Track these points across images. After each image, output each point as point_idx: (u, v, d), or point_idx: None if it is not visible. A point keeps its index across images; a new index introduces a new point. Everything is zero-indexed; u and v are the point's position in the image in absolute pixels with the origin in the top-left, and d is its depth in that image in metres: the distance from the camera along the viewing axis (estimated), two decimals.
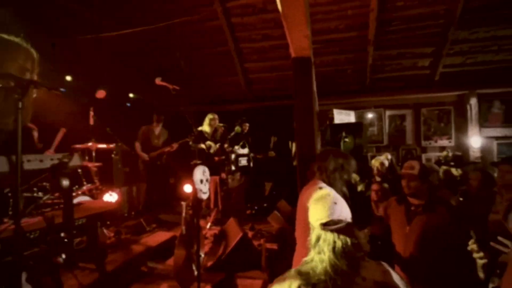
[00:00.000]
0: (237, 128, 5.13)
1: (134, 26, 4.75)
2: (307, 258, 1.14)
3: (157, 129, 4.58)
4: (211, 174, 3.76)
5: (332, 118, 5.79)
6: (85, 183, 3.30)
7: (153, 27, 5.02)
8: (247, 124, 5.08)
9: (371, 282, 1.01)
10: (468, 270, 1.97)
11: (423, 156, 5.93)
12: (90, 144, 3.38)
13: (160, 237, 3.37)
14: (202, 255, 2.15)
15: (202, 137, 4.07)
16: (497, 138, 5.58)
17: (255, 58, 5.63)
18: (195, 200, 1.95)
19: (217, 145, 3.92)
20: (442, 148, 5.92)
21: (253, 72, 5.97)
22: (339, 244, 1.06)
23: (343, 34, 5.11)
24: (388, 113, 6.19)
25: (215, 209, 3.81)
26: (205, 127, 4.15)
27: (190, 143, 3.42)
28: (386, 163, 4.37)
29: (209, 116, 4.19)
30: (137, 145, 4.43)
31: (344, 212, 1.15)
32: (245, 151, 4.28)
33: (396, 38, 5.06)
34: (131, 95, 5.25)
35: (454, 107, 5.80)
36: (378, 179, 4.16)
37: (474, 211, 2.65)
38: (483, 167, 4.02)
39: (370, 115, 6.32)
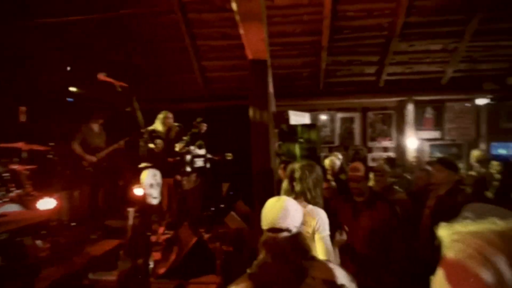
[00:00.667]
0: (194, 129, 5.00)
1: (81, 13, 4.32)
2: (256, 262, 1.17)
3: (97, 128, 4.19)
4: (165, 175, 3.59)
5: (288, 119, 5.96)
6: (13, 189, 2.87)
7: (102, 16, 4.62)
8: (205, 124, 4.96)
9: (320, 281, 1.07)
10: (408, 259, 2.23)
11: (369, 156, 6.44)
12: (19, 144, 2.95)
13: (105, 245, 3.10)
14: (151, 264, 2.03)
15: (153, 136, 3.85)
16: (429, 140, 6.32)
17: (214, 56, 5.52)
18: (144, 205, 1.83)
19: (171, 145, 3.75)
20: (385, 149, 6.50)
21: (212, 70, 5.85)
22: (278, 251, 1.11)
23: (299, 38, 5.28)
24: (339, 115, 6.58)
25: (169, 213, 3.64)
26: (158, 126, 3.94)
27: (141, 142, 3.21)
28: (338, 163, 4.64)
29: (162, 114, 3.99)
30: (76, 146, 3.98)
31: (293, 219, 1.18)
32: (202, 152, 4.17)
33: (347, 45, 5.39)
34: (73, 89, 4.74)
35: (395, 112, 6.41)
36: (330, 178, 4.40)
37: (414, 206, 2.99)
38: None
39: (323, 117, 6.65)
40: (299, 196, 1.83)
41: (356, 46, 5.40)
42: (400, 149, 6.33)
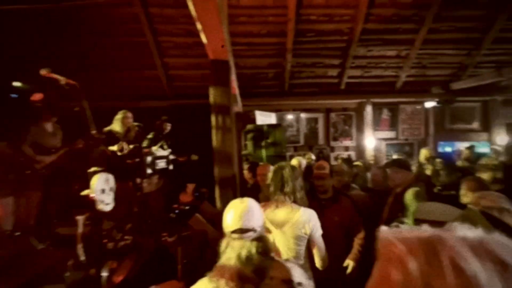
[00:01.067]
0: (157, 129, 4.79)
1: (29, 1, 3.91)
2: (217, 265, 1.18)
3: (50, 127, 3.82)
4: (123, 179, 3.39)
5: (255, 119, 6.00)
6: None
7: (55, 5, 4.22)
8: (168, 124, 4.79)
9: (279, 281, 1.10)
10: (370, 253, 2.40)
11: (331, 155, 6.73)
12: None
13: (54, 256, 2.85)
14: (105, 274, 1.91)
15: (112, 137, 3.63)
16: (385, 139, 6.77)
17: (177, 53, 5.35)
18: (96, 212, 1.71)
19: (130, 147, 3.55)
20: (347, 148, 6.84)
21: (175, 68, 5.66)
22: (243, 252, 1.12)
23: (265, 39, 5.33)
24: (304, 116, 6.77)
25: (128, 218, 3.45)
26: (116, 126, 3.71)
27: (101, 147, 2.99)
28: (304, 162, 4.75)
29: (121, 114, 3.76)
30: (26, 149, 3.60)
31: (257, 219, 1.21)
32: (165, 152, 4.01)
33: (310, 48, 5.56)
34: (17, 84, 4.28)
35: (356, 113, 6.76)
36: None
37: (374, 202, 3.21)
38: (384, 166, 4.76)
39: (289, 117, 6.79)
40: (288, 196, 1.81)
41: (319, 49, 5.60)
42: (359, 148, 6.70)
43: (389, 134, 6.76)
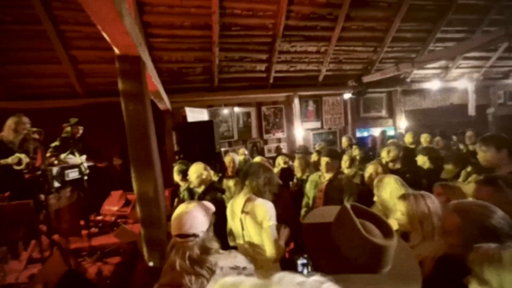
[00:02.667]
0: (67, 130, 4.14)
1: None
2: (165, 266, 1.32)
3: None
4: (22, 197, 2.83)
5: (186, 116, 5.72)
6: None
7: None
8: (80, 127, 4.18)
9: (228, 269, 1.25)
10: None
11: (265, 147, 6.93)
12: None
13: None
14: None
15: (3, 148, 2.97)
16: (312, 130, 7.29)
17: (86, 45, 4.66)
18: None
19: (28, 158, 2.97)
20: (279, 140, 7.13)
21: (85, 61, 4.94)
22: (186, 255, 1.23)
23: (189, 31, 5.07)
24: (236, 110, 6.77)
25: (33, 242, 2.89)
26: (7, 134, 3.05)
27: None
28: (237, 158, 4.73)
29: (13, 119, 3.10)
30: None
31: (201, 225, 1.30)
32: (77, 160, 3.49)
33: (237, 42, 5.53)
34: None
35: (285, 106, 7.07)
36: (231, 174, 4.46)
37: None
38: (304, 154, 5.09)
39: (222, 113, 6.70)
40: (251, 188, 1.96)
41: (246, 43, 5.61)
42: (290, 139, 7.06)
43: (315, 124, 7.30)
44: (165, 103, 4.91)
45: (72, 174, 3.22)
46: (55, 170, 2.96)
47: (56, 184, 2.95)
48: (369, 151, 5.49)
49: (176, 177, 3.34)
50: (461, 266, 0.93)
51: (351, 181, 2.88)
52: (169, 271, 1.27)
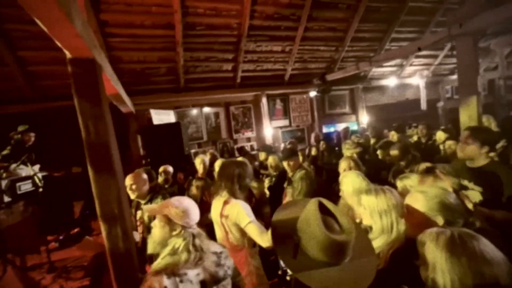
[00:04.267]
0: (16, 137, 3.80)
1: None
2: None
3: None
4: None
5: (151, 119, 5.53)
6: None
7: None
8: (31, 134, 3.86)
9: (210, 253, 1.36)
10: None
11: (235, 147, 6.93)
12: None
13: None
14: None
15: None
16: (281, 127, 7.43)
17: (35, 45, 4.29)
18: None
19: None
20: (248, 139, 7.16)
21: (35, 63, 4.55)
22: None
23: (151, 31, 4.88)
24: (205, 111, 6.68)
25: None
26: None
27: None
28: (207, 160, 4.67)
29: None
30: None
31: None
32: (30, 171, 3.21)
33: (202, 42, 5.44)
34: None
35: (253, 105, 7.12)
36: (201, 176, 4.39)
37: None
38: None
39: (190, 114, 6.57)
40: (228, 190, 1.98)
41: (211, 43, 5.54)
42: (260, 138, 7.13)
43: (284, 122, 7.45)
44: (128, 105, 4.70)
45: (25, 187, 2.95)
46: (4, 183, 2.70)
47: (7, 199, 2.69)
48: (335, 146, 5.73)
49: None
50: (415, 257, 1.02)
51: (303, 175, 2.99)
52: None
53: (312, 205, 0.99)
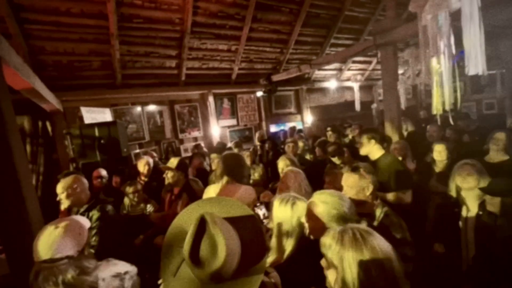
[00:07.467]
0: None
1: None
2: None
3: None
4: None
5: (82, 117, 4.99)
6: None
7: None
8: None
9: (110, 278, 1.23)
10: None
11: (181, 147, 6.68)
12: None
13: None
14: None
15: None
16: (228, 127, 7.40)
17: None
18: None
19: None
20: (195, 139, 6.97)
21: None
22: (60, 281, 1.15)
23: (79, 19, 4.40)
24: (146, 109, 6.29)
25: None
26: None
27: None
28: (151, 162, 4.39)
29: None
30: None
31: (68, 249, 1.22)
32: None
33: (141, 36, 5.11)
34: None
35: (199, 104, 6.94)
36: (144, 179, 4.11)
37: None
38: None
39: (129, 112, 6.11)
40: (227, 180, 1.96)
41: (152, 37, 5.23)
42: (207, 137, 7.00)
43: (231, 121, 7.42)
44: (52, 102, 4.16)
45: None
46: None
47: None
48: (281, 144, 5.92)
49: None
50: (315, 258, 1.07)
51: None
52: None
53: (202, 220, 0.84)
